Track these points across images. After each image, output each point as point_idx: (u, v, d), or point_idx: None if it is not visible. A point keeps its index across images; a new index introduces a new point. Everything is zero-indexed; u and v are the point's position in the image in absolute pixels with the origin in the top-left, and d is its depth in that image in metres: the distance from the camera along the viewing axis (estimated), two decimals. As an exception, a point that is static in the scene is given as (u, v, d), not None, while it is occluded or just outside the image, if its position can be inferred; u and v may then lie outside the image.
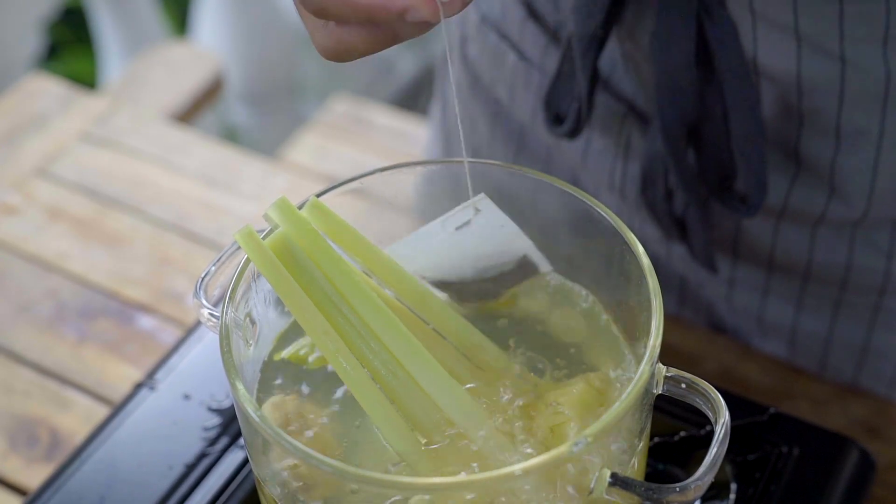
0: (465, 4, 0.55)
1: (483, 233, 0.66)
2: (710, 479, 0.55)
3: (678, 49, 0.73)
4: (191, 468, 0.74)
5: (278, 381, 0.64)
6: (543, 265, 0.68)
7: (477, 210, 0.66)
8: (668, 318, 0.92)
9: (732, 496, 0.73)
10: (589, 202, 0.65)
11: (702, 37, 0.73)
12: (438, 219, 0.66)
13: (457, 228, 0.66)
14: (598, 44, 0.76)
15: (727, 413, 0.57)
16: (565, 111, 0.80)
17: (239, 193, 1.13)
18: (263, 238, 0.60)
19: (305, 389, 0.64)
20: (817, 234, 0.83)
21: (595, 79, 0.77)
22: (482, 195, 0.67)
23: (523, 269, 0.68)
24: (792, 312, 0.88)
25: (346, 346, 0.59)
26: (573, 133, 0.80)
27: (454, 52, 0.96)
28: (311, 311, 0.59)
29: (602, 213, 0.64)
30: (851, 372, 0.90)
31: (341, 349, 0.59)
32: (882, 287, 0.84)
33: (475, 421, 0.59)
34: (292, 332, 0.66)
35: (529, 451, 0.60)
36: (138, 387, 0.79)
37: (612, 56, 0.82)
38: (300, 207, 0.62)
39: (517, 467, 0.54)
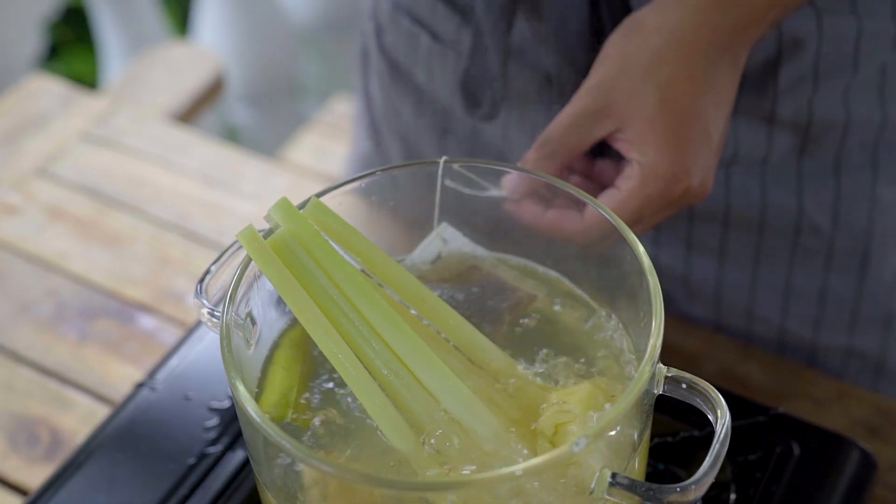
0: None
1: (458, 259, 0.68)
2: (710, 479, 0.55)
3: (573, 18, 0.76)
4: (191, 468, 0.74)
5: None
6: (525, 284, 0.69)
7: (444, 240, 0.68)
8: (669, 319, 0.92)
9: (733, 496, 0.73)
10: (589, 202, 0.65)
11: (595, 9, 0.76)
12: (412, 254, 0.68)
13: (432, 263, 0.68)
14: (505, 25, 0.78)
15: (728, 413, 0.57)
16: (482, 93, 0.81)
17: (239, 193, 1.13)
18: (265, 238, 0.60)
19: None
20: (731, 177, 0.85)
21: (507, 55, 0.79)
22: (445, 224, 0.68)
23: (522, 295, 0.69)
24: (716, 264, 0.90)
25: (348, 346, 0.59)
26: (490, 116, 0.82)
27: (371, 42, 0.97)
28: (312, 310, 0.59)
29: (602, 213, 0.64)
30: (778, 318, 0.92)
31: (342, 348, 0.59)
32: (797, 226, 0.87)
33: (480, 419, 0.59)
34: (290, 329, 0.66)
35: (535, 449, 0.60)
36: (139, 387, 0.79)
37: (522, 33, 0.83)
38: (301, 207, 0.62)
39: (518, 467, 0.54)
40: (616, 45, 0.72)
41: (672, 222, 0.89)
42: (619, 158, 0.73)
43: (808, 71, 0.80)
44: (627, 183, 0.70)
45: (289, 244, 0.60)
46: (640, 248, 0.62)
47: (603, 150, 0.75)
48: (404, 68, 0.93)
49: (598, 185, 0.75)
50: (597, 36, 0.77)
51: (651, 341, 0.58)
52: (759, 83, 0.81)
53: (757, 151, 0.84)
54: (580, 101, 0.72)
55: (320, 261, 0.60)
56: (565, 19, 0.76)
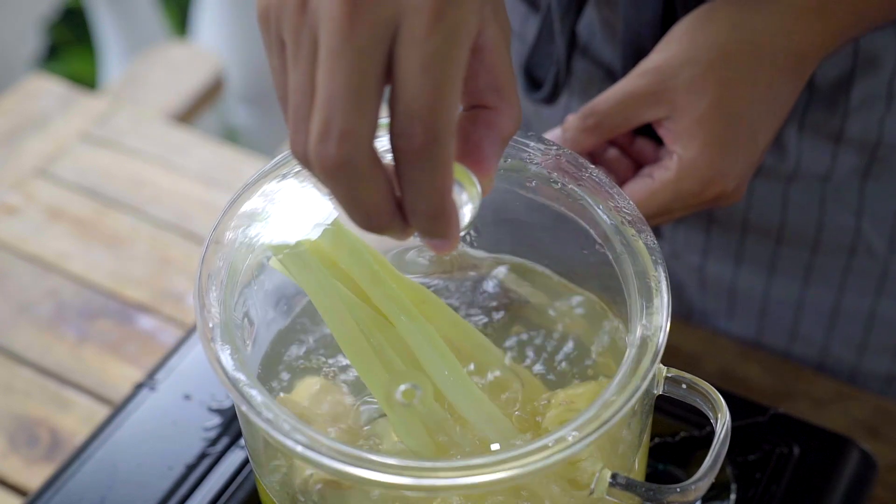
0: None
1: (461, 257, 0.68)
2: (710, 479, 0.55)
3: (647, 9, 0.74)
4: (191, 468, 0.74)
5: (275, 383, 0.64)
6: (521, 288, 0.69)
7: None
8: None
9: (733, 496, 0.73)
10: (590, 202, 0.65)
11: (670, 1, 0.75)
12: (413, 249, 0.67)
13: (430, 260, 0.68)
14: (576, 9, 0.77)
15: (728, 413, 0.57)
16: (543, 76, 0.81)
17: (239, 193, 1.13)
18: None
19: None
20: (790, 193, 0.84)
21: (573, 43, 0.78)
22: None
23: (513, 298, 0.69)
24: (764, 279, 0.89)
25: (376, 356, 0.59)
26: (551, 98, 0.81)
27: None
28: (352, 331, 0.58)
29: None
30: (822, 339, 0.90)
31: (365, 351, 0.58)
32: (852, 246, 0.85)
33: (488, 420, 0.59)
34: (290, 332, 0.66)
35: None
36: (138, 387, 0.79)
37: (591, 23, 0.82)
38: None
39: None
40: (685, 32, 0.70)
41: (724, 234, 0.88)
42: (661, 141, 0.72)
43: (882, 90, 0.78)
44: (664, 174, 0.69)
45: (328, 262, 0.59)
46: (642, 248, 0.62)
47: (647, 129, 0.73)
48: None
49: (634, 163, 0.74)
50: (668, 29, 0.75)
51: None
52: (830, 99, 0.79)
53: (820, 169, 0.82)
54: (635, 80, 0.70)
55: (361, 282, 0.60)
56: (638, 9, 0.74)
